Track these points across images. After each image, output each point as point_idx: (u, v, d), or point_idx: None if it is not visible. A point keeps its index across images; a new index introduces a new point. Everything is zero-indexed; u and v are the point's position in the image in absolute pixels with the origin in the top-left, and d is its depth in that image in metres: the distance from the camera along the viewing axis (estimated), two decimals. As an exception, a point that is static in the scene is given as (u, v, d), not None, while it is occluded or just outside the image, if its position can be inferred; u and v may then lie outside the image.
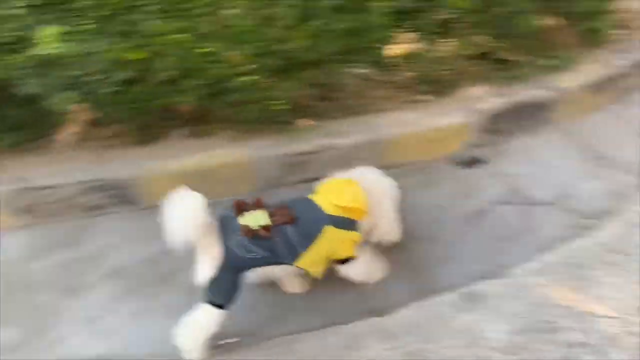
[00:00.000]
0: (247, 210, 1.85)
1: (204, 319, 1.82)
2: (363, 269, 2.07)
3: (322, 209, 1.89)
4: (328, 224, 1.87)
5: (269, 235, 1.80)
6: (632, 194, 2.70)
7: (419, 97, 3.01)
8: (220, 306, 1.81)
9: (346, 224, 1.91)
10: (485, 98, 3.00)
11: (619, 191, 2.72)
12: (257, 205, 1.87)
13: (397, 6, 2.59)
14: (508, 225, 2.55)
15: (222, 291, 1.81)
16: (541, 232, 2.53)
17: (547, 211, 2.63)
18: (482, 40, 3.05)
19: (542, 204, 2.66)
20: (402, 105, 2.97)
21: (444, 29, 2.87)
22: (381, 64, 2.82)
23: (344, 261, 2.01)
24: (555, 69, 3.19)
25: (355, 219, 1.95)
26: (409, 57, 2.97)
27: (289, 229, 1.83)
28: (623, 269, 2.31)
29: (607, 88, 3.26)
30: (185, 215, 1.68)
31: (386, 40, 2.74)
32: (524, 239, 2.49)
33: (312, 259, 1.89)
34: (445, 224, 2.56)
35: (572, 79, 3.17)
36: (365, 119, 2.89)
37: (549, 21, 3.40)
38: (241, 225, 1.79)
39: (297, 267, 1.90)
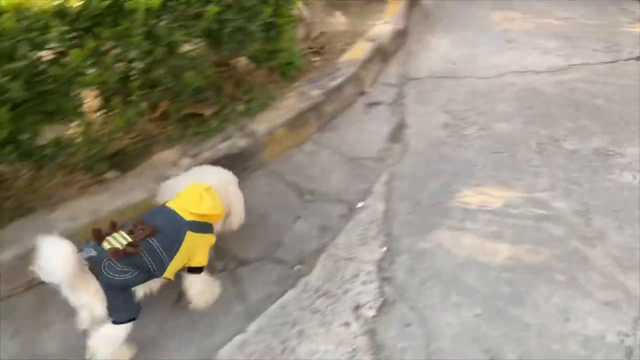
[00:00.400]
0: (106, 236, 1.86)
1: (114, 333, 1.85)
2: (205, 285, 2.14)
3: (181, 216, 1.98)
4: (188, 229, 1.96)
5: (136, 250, 1.82)
6: (337, 224, 2.66)
7: (102, 176, 2.64)
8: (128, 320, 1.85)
9: (204, 227, 2.03)
10: (178, 161, 2.74)
11: (326, 225, 2.66)
12: (114, 228, 1.91)
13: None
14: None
15: (122, 308, 1.83)
16: (251, 295, 2.32)
17: (257, 269, 2.44)
18: (159, 100, 2.80)
19: (251, 263, 2.47)
20: (82, 190, 2.57)
21: (111, 99, 2.54)
22: (38, 152, 2.38)
23: (194, 270, 2.07)
24: (253, 111, 3.10)
25: (212, 222, 2.09)
26: (78, 136, 2.59)
27: (154, 242, 1.88)
28: (331, 313, 2.20)
29: (308, 120, 3.27)
30: (56, 264, 1.67)
31: (34, 129, 2.30)
32: (233, 310, 2.25)
33: (176, 267, 1.98)
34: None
35: (270, 119, 3.10)
36: (35, 218, 2.42)
37: (241, 62, 3.32)
38: (107, 249, 1.80)
39: (164, 278, 1.95)
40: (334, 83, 3.46)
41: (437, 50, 4.37)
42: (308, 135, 3.27)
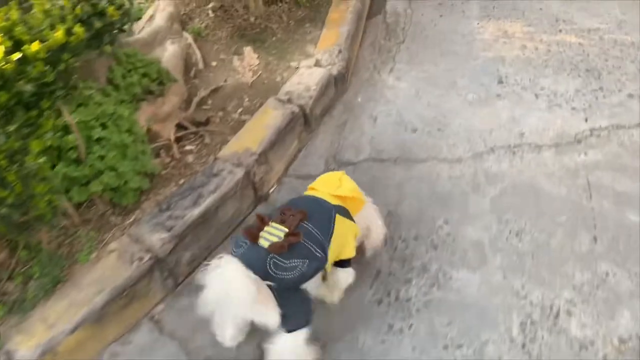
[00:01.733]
0: (258, 232, 1.63)
1: (293, 345, 1.64)
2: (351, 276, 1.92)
3: (326, 199, 1.82)
4: (336, 212, 1.78)
5: (298, 238, 1.61)
6: None
7: None
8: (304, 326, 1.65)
9: (348, 214, 1.84)
10: None
11: None
12: (263, 222, 1.67)
13: None
14: None
15: (298, 313, 1.63)
16: None
17: None
18: None
19: None
20: None
21: None
22: None
23: (344, 263, 1.86)
24: (24, 307, 1.87)
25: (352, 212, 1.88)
26: None
27: (309, 225, 1.67)
28: None
29: (135, 301, 2.02)
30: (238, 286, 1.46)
31: None
32: None
33: (333, 256, 1.74)
34: None
35: (52, 320, 1.86)
36: None
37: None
38: (268, 246, 1.58)
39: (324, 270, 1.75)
40: (199, 210, 2.16)
41: (391, 104, 2.96)
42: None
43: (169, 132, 2.52)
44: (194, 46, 3.01)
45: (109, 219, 2.12)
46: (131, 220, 2.13)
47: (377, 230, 2.03)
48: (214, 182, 2.27)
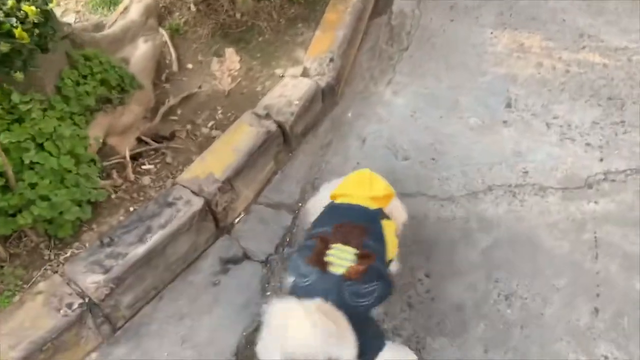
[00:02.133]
0: (323, 257, 1.45)
1: None
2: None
3: (365, 206, 1.65)
4: (382, 218, 1.65)
5: (373, 259, 1.47)
6: None
7: None
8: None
9: (385, 213, 1.70)
10: None
11: None
12: (326, 245, 1.49)
13: None
14: None
15: (374, 342, 1.48)
16: None
17: None
18: None
19: None
20: None
21: None
22: None
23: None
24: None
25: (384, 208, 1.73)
26: None
27: (369, 241, 1.53)
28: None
29: None
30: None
31: None
32: None
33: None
34: None
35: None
36: None
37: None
38: (345, 273, 1.42)
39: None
40: (144, 248, 1.90)
41: (384, 124, 2.65)
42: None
43: (126, 147, 2.25)
44: (170, 45, 2.71)
45: (42, 253, 1.88)
46: (67, 255, 1.88)
47: (401, 219, 1.86)
48: (167, 213, 2.01)
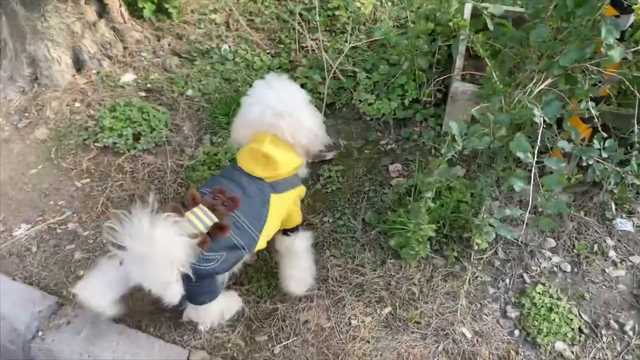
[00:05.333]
0: (186, 212, 1.53)
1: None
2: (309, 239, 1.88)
3: (259, 177, 1.68)
4: (272, 192, 1.68)
5: (225, 233, 1.54)
6: None
7: None
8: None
9: (289, 183, 1.74)
10: None
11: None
12: (194, 201, 1.57)
13: None
14: None
15: (204, 294, 1.64)
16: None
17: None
18: None
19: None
20: None
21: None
22: None
23: (289, 231, 1.81)
24: None
25: (294, 173, 1.78)
26: None
27: (239, 216, 1.59)
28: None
29: None
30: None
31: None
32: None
33: (267, 236, 1.71)
34: None
35: None
36: None
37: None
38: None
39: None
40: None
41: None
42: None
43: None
44: None
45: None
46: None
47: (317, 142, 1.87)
48: None
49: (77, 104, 2.56)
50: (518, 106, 1.95)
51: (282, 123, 1.71)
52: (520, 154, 1.64)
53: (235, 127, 1.86)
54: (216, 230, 1.53)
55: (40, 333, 1.82)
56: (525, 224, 1.97)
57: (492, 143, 1.66)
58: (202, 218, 1.54)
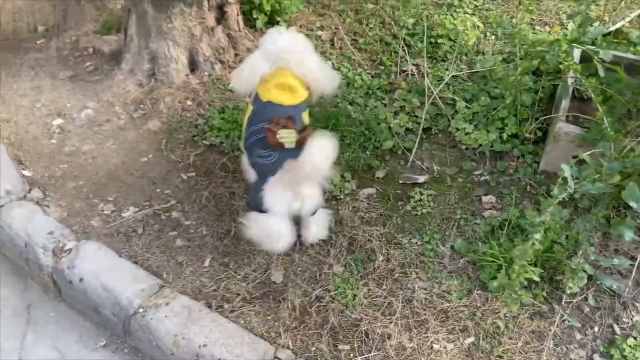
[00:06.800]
0: (276, 138, 1.91)
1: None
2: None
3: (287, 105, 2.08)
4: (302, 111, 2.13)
5: (310, 130, 1.92)
6: None
7: None
8: None
9: (304, 107, 2.16)
10: None
11: None
12: (272, 132, 1.92)
13: None
14: None
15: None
16: None
17: None
18: None
19: None
20: None
21: None
22: None
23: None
24: None
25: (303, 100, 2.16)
26: None
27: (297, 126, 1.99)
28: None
29: None
30: None
31: None
32: None
33: None
34: None
35: None
36: None
37: None
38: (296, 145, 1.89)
39: None
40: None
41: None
42: None
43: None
44: None
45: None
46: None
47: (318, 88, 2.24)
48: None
49: (188, 102, 2.75)
50: (630, 155, 1.94)
51: (288, 57, 2.10)
52: (632, 203, 1.64)
53: (241, 75, 2.22)
54: (304, 132, 1.91)
55: (141, 310, 1.96)
56: (632, 275, 1.95)
57: (604, 189, 1.67)
58: (288, 136, 1.92)
